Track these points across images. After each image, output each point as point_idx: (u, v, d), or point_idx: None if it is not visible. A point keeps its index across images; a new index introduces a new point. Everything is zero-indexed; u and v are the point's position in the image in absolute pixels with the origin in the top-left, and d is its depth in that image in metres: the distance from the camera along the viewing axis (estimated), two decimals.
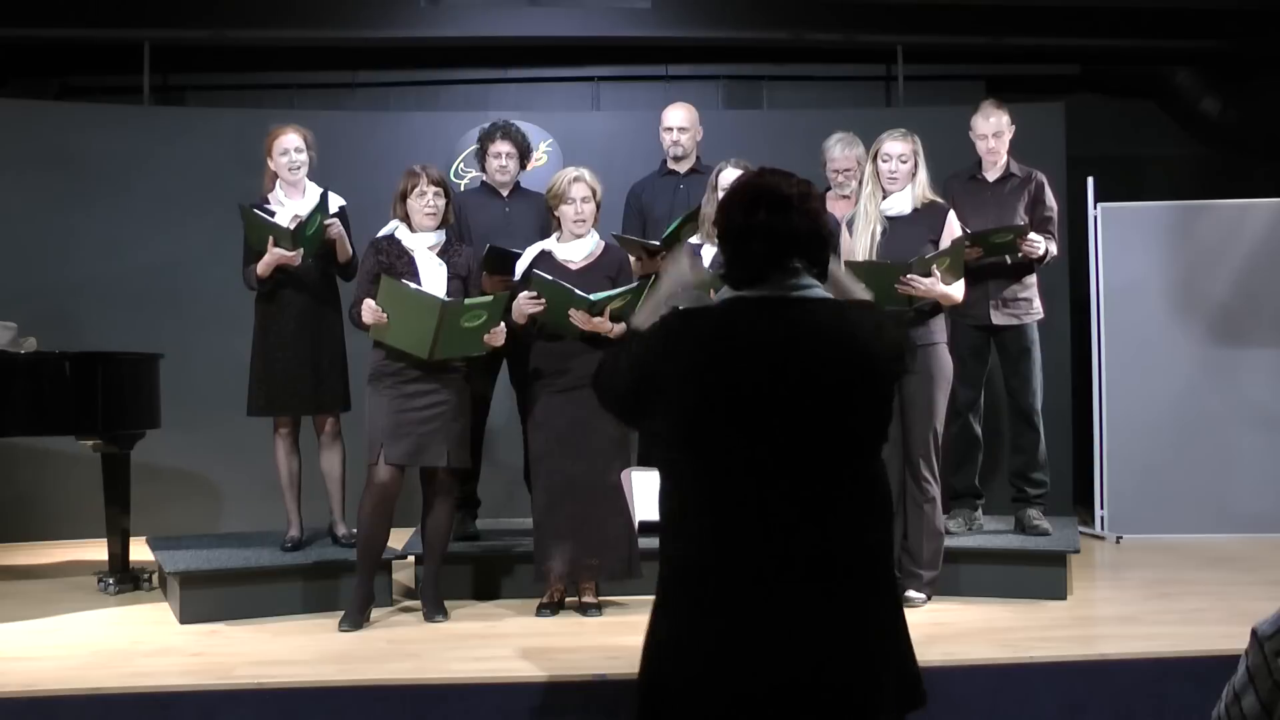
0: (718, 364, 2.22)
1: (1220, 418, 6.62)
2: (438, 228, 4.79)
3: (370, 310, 4.59)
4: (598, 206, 4.89)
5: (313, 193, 5.17)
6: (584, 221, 4.83)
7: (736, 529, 2.20)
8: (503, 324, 4.65)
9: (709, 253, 4.91)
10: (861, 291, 2.47)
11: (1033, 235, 5.31)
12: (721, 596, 2.20)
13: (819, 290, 2.30)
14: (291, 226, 4.97)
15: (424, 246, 4.76)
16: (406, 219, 4.79)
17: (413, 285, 4.60)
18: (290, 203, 5.12)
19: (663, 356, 2.26)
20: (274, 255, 4.96)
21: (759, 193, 2.30)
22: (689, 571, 2.25)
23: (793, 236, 2.27)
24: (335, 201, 5.17)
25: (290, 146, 5.10)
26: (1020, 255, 5.35)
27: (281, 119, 5.54)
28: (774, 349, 2.22)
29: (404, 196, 4.77)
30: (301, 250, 4.98)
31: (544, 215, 5.09)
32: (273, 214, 5.07)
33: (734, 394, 2.20)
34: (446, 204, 4.79)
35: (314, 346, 5.10)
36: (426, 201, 4.72)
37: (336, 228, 5.09)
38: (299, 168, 5.13)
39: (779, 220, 2.26)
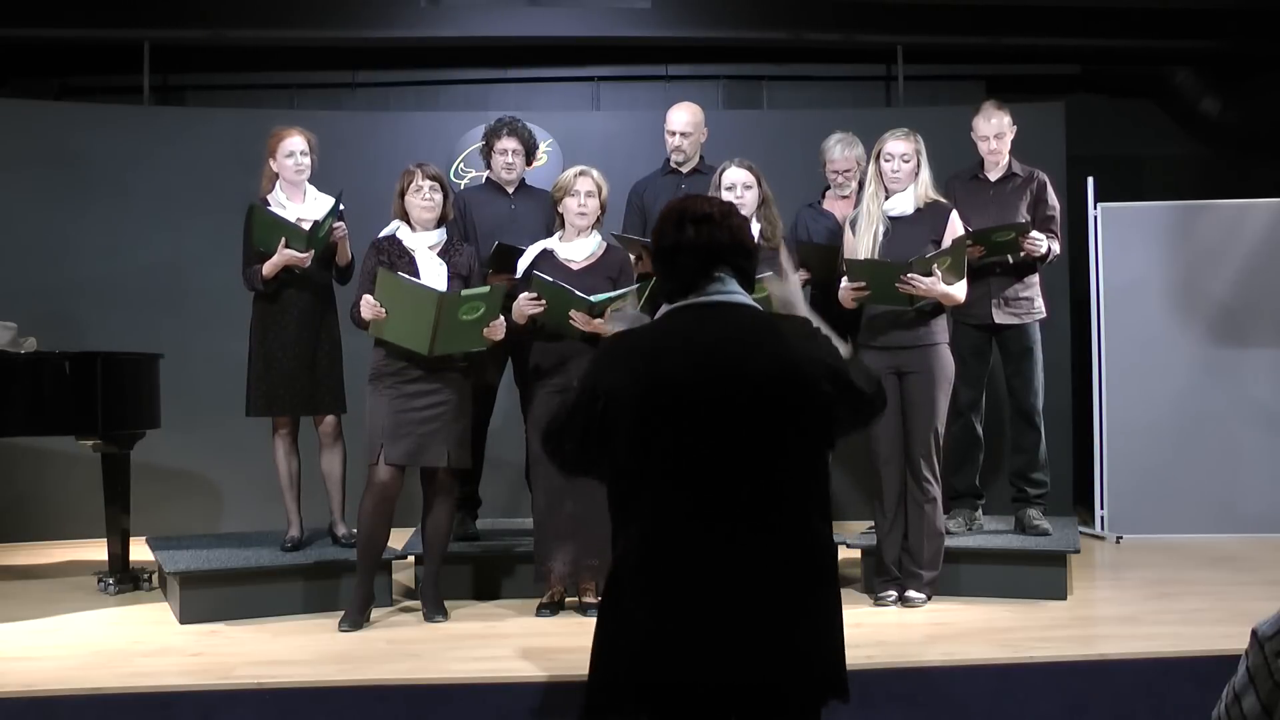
0: (654, 365, 2.37)
1: (1220, 418, 6.62)
2: (437, 224, 4.80)
3: (369, 305, 4.59)
4: (603, 207, 4.89)
5: (313, 195, 5.18)
6: (586, 215, 4.83)
7: (676, 527, 2.31)
8: (502, 317, 4.65)
9: None
10: (802, 309, 2.67)
11: (1034, 234, 5.31)
12: (661, 593, 2.30)
13: (743, 297, 2.48)
14: (306, 228, 4.97)
15: (425, 246, 4.77)
16: (406, 217, 4.80)
17: (409, 277, 4.59)
18: (291, 205, 5.11)
19: (607, 370, 2.42)
20: (284, 256, 4.95)
21: (684, 213, 2.51)
22: (633, 568, 2.36)
23: (716, 248, 2.47)
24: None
25: (296, 149, 5.10)
26: (1022, 254, 5.35)
27: (281, 119, 5.54)
28: (702, 346, 2.38)
29: (401, 194, 4.78)
30: (312, 252, 4.99)
31: (549, 212, 5.09)
32: None
33: (669, 392, 2.34)
34: (445, 199, 4.80)
35: (313, 347, 5.10)
36: (423, 195, 4.73)
37: (342, 230, 5.09)
38: (303, 170, 5.13)
39: (703, 234, 2.47)
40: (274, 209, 5.08)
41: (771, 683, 2.27)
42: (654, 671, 2.28)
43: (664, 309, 2.52)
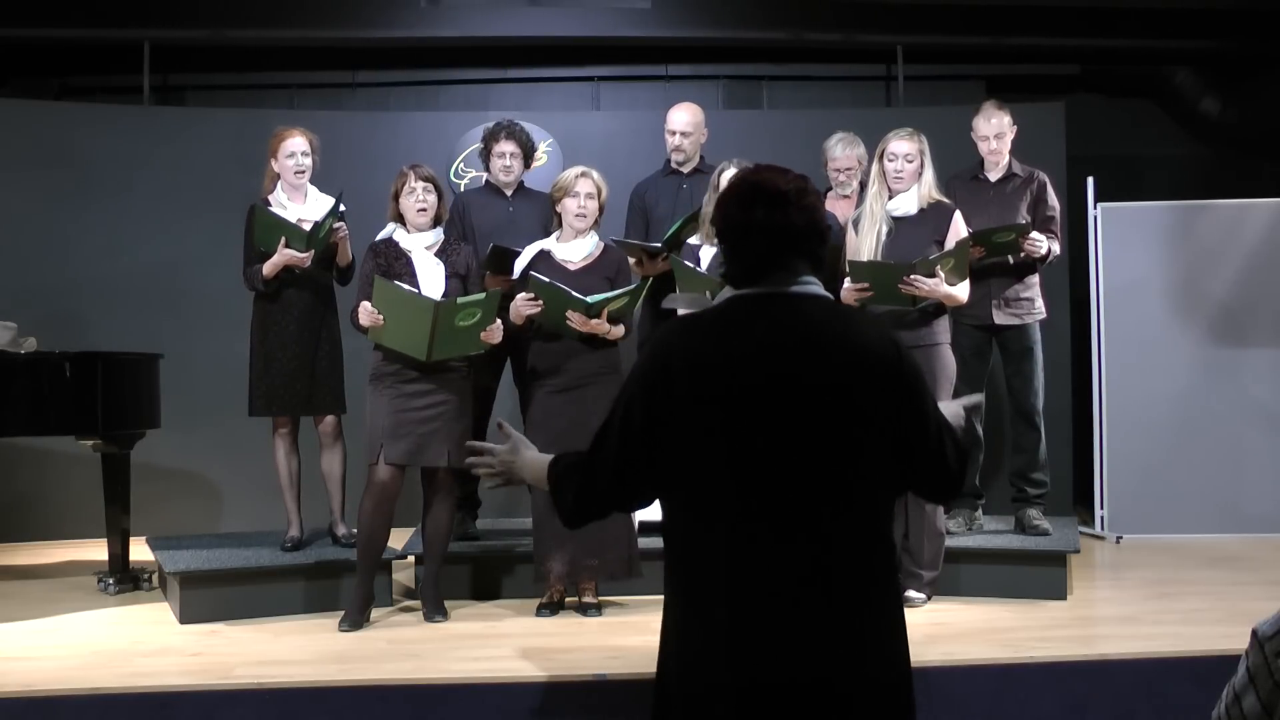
0: (716, 362, 2.21)
1: (1220, 417, 6.62)
2: (433, 225, 4.80)
3: (367, 312, 4.60)
4: (601, 209, 4.90)
5: (314, 195, 5.19)
6: (585, 217, 4.84)
7: (737, 529, 2.17)
8: (499, 321, 4.66)
9: (708, 254, 4.91)
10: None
11: (1035, 234, 5.32)
12: (721, 595, 2.18)
13: (818, 287, 2.30)
14: (306, 228, 4.98)
15: (421, 247, 4.77)
16: (401, 219, 4.80)
17: (406, 286, 4.60)
18: (292, 205, 5.12)
19: (662, 361, 2.24)
20: (284, 256, 4.96)
21: (756, 189, 2.28)
22: (687, 573, 2.24)
23: (791, 232, 2.26)
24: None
25: (297, 150, 5.11)
26: (1022, 255, 5.35)
27: (282, 119, 5.54)
28: (774, 345, 2.21)
29: (396, 196, 4.79)
30: (313, 252, 4.99)
31: (547, 214, 5.09)
32: None
33: (734, 391, 2.19)
34: (438, 200, 4.80)
35: (314, 348, 5.10)
36: (417, 197, 4.73)
37: (343, 231, 5.11)
38: (303, 171, 5.14)
39: (777, 216, 2.25)
40: (275, 209, 5.08)
41: (843, 685, 2.16)
42: (722, 672, 2.15)
43: (727, 293, 2.33)
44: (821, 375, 2.19)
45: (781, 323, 2.23)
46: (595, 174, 4.87)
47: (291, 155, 5.11)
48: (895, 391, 2.23)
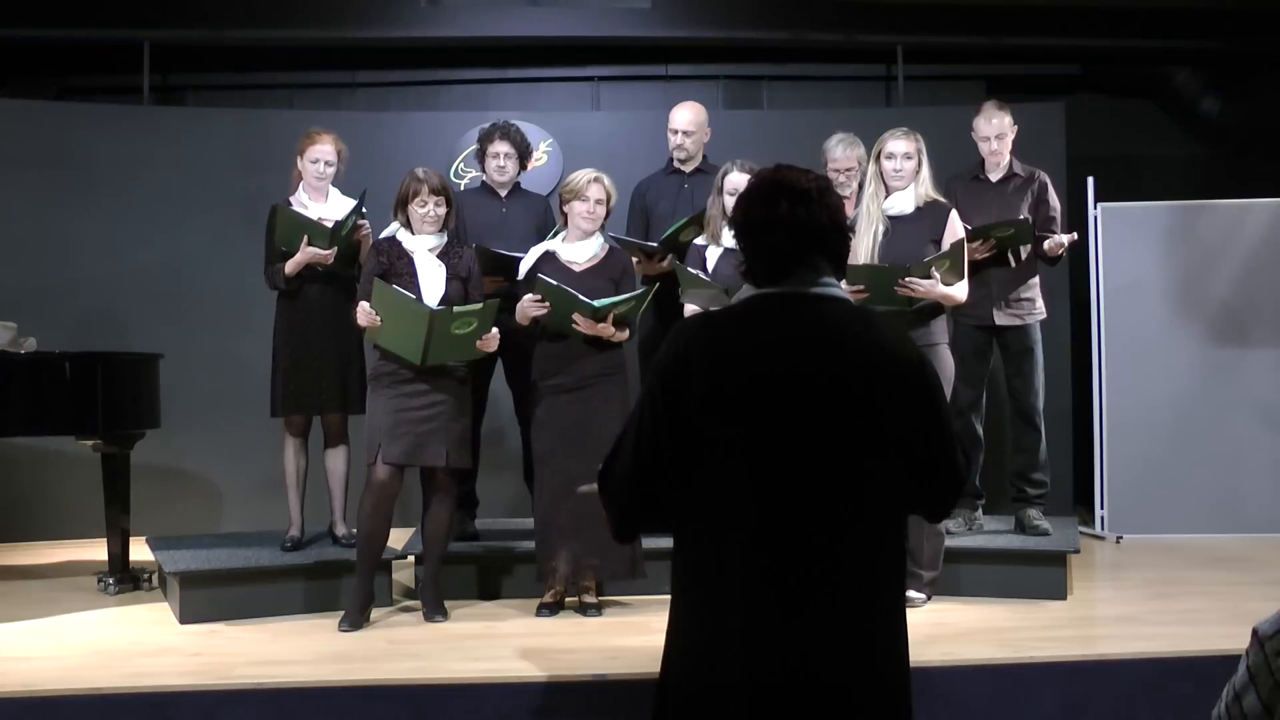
0: (736, 360, 2.20)
1: (1220, 417, 6.62)
2: (439, 232, 4.80)
3: (364, 313, 4.62)
4: (608, 213, 4.90)
5: (335, 196, 5.24)
6: (593, 221, 4.84)
7: (751, 528, 2.17)
8: (495, 330, 4.66)
9: (714, 254, 4.91)
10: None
11: (1058, 237, 5.40)
12: (731, 594, 2.17)
13: (839, 290, 2.30)
14: (329, 226, 5.02)
15: (424, 249, 4.77)
16: (407, 220, 4.80)
17: (403, 291, 4.60)
18: (314, 205, 5.19)
19: (681, 357, 2.23)
20: (307, 254, 5.01)
21: (779, 186, 2.29)
22: (698, 572, 2.24)
23: (814, 229, 2.25)
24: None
25: (321, 158, 5.18)
26: (1052, 253, 5.44)
27: (282, 119, 5.55)
28: (795, 346, 2.20)
29: (405, 202, 4.78)
30: (335, 249, 5.03)
31: (541, 216, 5.10)
32: None
33: (752, 391, 2.18)
34: (448, 210, 4.81)
35: (337, 345, 5.12)
36: (428, 211, 4.74)
37: (367, 229, 5.15)
38: (324, 178, 5.22)
39: (800, 212, 2.25)
40: (296, 208, 5.15)
41: (846, 685, 2.16)
42: (733, 671, 2.15)
43: (746, 292, 2.32)
44: (842, 377, 2.19)
45: (803, 323, 2.23)
46: (607, 180, 4.87)
47: (316, 161, 5.19)
48: (915, 397, 2.23)
